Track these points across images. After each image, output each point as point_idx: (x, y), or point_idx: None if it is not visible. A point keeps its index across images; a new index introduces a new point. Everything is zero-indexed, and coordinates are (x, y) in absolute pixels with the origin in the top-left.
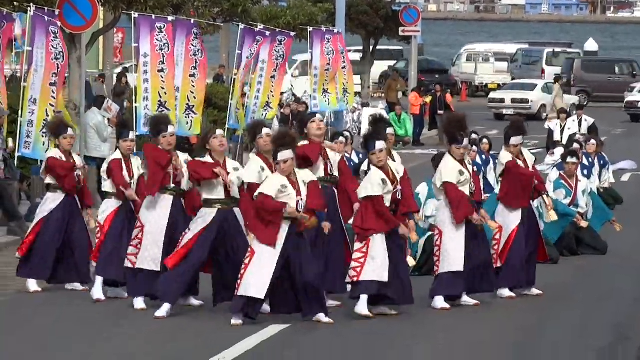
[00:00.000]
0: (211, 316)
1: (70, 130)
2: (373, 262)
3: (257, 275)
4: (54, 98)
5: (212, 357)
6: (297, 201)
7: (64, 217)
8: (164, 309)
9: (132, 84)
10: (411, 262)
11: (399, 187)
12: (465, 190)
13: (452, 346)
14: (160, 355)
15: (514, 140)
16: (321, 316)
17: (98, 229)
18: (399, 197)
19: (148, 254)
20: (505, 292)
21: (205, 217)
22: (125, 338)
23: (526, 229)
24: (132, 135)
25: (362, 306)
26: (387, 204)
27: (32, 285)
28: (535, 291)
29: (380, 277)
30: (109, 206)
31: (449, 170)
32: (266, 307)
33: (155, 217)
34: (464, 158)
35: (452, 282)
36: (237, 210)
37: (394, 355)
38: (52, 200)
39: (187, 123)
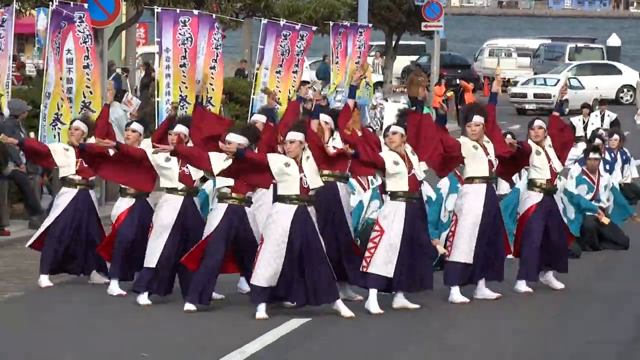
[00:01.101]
0: (232, 310)
1: (77, 123)
2: (384, 254)
3: (266, 265)
4: (89, 80)
5: (233, 351)
6: (300, 178)
7: (76, 211)
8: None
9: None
10: (441, 249)
11: (414, 170)
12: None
13: (478, 337)
14: (182, 349)
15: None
16: (339, 304)
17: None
18: (416, 181)
19: (151, 251)
20: (522, 287)
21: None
22: (143, 330)
23: (544, 220)
24: (137, 126)
25: (372, 303)
26: (405, 187)
27: (44, 280)
28: (556, 283)
29: (387, 273)
30: (123, 204)
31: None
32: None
33: (162, 215)
34: (479, 139)
35: (461, 272)
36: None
37: (419, 346)
38: (65, 194)
39: None
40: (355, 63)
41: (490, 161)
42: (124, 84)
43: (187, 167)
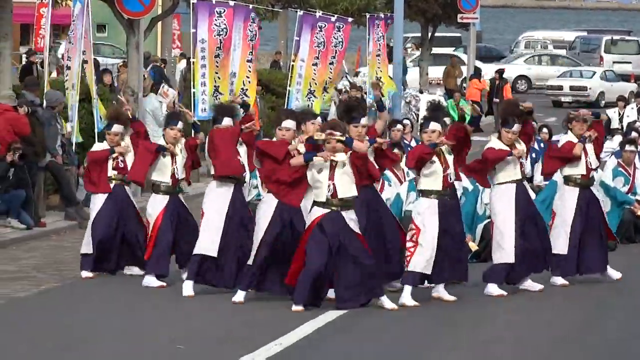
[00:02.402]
0: (268, 302)
1: (115, 127)
2: (422, 252)
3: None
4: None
5: (269, 343)
6: (328, 185)
7: (115, 208)
8: (241, 295)
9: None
10: (473, 247)
11: (449, 170)
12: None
13: (512, 329)
14: (217, 341)
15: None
16: (384, 300)
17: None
18: (451, 181)
19: (205, 240)
20: (559, 280)
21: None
22: (179, 323)
23: (584, 215)
24: (180, 124)
25: (406, 298)
26: (438, 186)
27: (86, 272)
28: (615, 273)
29: (426, 271)
30: (158, 201)
31: (493, 144)
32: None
33: (215, 205)
34: (513, 143)
35: (504, 273)
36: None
37: (453, 337)
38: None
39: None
40: (377, 56)
41: (521, 163)
42: (167, 75)
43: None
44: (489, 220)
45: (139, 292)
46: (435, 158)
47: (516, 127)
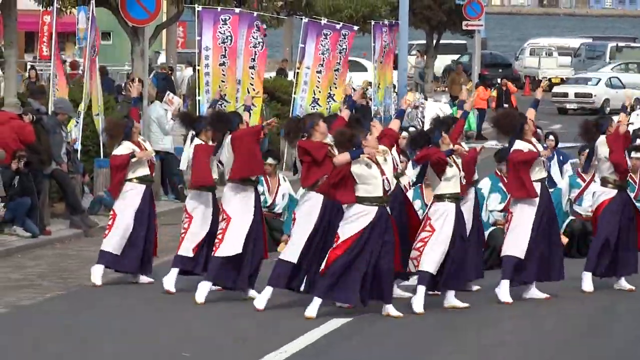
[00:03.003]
0: (274, 309)
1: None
2: (432, 252)
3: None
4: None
5: (275, 350)
6: (382, 180)
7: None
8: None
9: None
10: None
11: (461, 174)
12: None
13: (516, 335)
14: (223, 348)
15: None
16: (389, 307)
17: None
18: (464, 183)
19: (230, 243)
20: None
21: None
22: (185, 329)
23: (619, 217)
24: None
25: (417, 302)
26: (457, 189)
27: (97, 278)
28: (624, 284)
29: (434, 270)
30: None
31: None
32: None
33: (241, 209)
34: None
35: (517, 268)
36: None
37: (457, 342)
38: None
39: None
40: (380, 62)
41: (544, 162)
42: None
43: None
44: (493, 227)
45: (144, 299)
46: (452, 162)
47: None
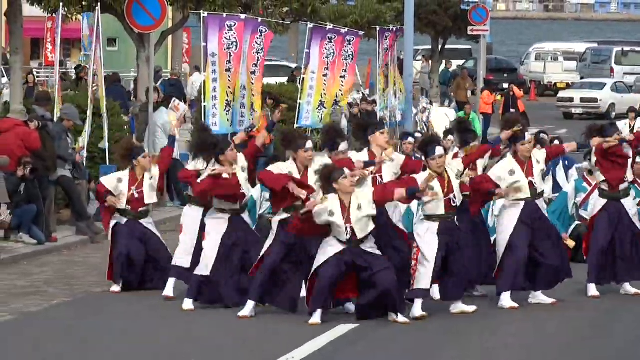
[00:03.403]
0: (281, 315)
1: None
2: (423, 269)
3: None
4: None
5: (282, 356)
6: (345, 228)
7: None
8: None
9: (197, 83)
10: None
11: (452, 195)
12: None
13: (520, 340)
14: (229, 355)
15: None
16: (394, 315)
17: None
18: (454, 205)
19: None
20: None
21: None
22: (192, 336)
23: (612, 226)
24: None
25: (417, 309)
26: (440, 211)
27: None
28: (630, 289)
29: (427, 286)
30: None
31: (497, 167)
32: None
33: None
34: (525, 159)
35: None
36: None
37: (461, 346)
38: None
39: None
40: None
41: (531, 182)
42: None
43: None
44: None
45: (149, 306)
46: (435, 182)
47: (526, 136)
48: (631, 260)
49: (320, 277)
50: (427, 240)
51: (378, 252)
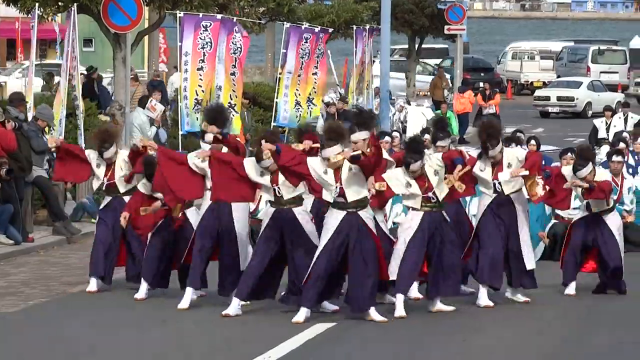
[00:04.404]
0: (258, 315)
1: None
2: (394, 259)
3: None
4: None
5: (258, 356)
6: (335, 187)
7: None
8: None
9: (177, 83)
10: None
11: (430, 192)
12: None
13: (503, 340)
14: (206, 355)
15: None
16: (372, 311)
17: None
18: (434, 201)
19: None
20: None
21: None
22: (167, 337)
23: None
24: None
25: (398, 308)
26: (418, 206)
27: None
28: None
29: (393, 277)
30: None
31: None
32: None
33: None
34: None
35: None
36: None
37: (441, 350)
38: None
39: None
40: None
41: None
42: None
43: None
44: None
45: (128, 306)
46: (412, 181)
47: (491, 153)
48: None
49: (313, 272)
50: (405, 233)
51: (372, 225)
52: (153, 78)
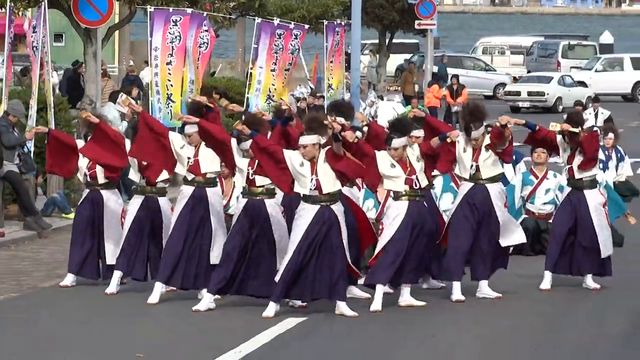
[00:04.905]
0: (229, 310)
1: None
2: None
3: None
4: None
5: (229, 351)
6: (311, 179)
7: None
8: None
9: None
10: None
11: (414, 175)
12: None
13: (473, 335)
14: (177, 349)
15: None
16: (342, 305)
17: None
18: (417, 186)
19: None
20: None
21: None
22: (139, 331)
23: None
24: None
25: (375, 301)
26: (401, 187)
27: (69, 279)
28: (591, 283)
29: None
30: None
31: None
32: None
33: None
34: (477, 147)
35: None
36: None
37: (414, 345)
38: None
39: None
40: (330, 62)
41: (471, 165)
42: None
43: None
44: None
45: (100, 301)
46: (396, 163)
47: (475, 134)
48: (586, 251)
49: (285, 267)
50: (391, 222)
51: (343, 220)
52: (128, 73)
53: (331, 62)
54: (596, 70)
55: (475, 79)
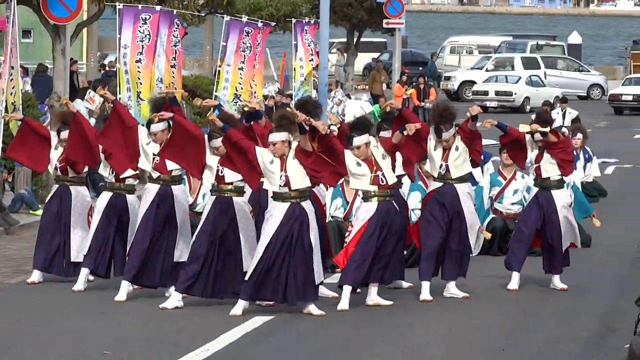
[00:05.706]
0: (197, 308)
1: None
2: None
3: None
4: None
5: (197, 349)
6: (280, 176)
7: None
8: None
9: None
10: None
11: (380, 172)
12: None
13: (441, 335)
14: (145, 347)
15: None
16: (312, 307)
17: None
18: (383, 183)
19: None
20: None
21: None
22: (107, 329)
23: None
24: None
25: (343, 300)
26: (367, 186)
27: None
28: (558, 283)
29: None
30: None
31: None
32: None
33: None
34: (447, 147)
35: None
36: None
37: (381, 344)
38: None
39: None
40: (310, 61)
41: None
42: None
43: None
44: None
45: (66, 299)
46: (362, 161)
47: (445, 135)
48: (558, 252)
49: (255, 266)
50: (358, 223)
51: (313, 218)
52: (108, 68)
53: (311, 60)
54: (487, 70)
55: (569, 80)
